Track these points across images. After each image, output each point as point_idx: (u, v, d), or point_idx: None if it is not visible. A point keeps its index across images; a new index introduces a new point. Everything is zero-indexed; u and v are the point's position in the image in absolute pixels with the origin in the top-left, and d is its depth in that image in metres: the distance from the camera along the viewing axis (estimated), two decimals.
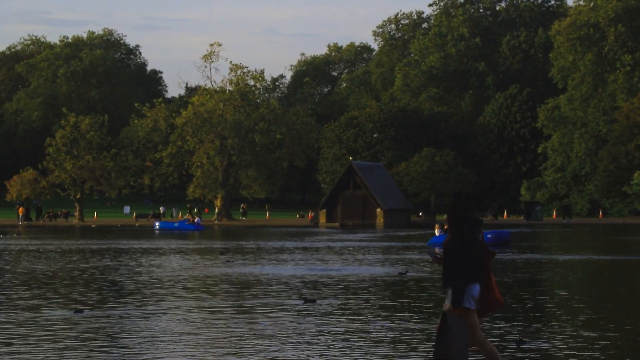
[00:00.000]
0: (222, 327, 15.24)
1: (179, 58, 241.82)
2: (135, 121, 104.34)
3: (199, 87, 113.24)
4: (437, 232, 44.39)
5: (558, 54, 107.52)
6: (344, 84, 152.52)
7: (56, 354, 12.67)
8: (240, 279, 24.94)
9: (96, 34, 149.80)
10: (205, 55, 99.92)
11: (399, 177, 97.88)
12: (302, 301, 19.00)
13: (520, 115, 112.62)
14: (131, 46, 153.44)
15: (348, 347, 13.22)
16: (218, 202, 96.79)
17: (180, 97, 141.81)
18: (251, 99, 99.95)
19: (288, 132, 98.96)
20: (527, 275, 26.35)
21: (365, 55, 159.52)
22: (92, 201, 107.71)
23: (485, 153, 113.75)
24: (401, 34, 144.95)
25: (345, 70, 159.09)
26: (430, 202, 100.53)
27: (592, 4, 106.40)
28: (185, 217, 79.19)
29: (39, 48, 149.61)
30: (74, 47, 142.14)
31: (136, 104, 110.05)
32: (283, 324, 15.64)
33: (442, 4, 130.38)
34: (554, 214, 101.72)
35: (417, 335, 14.37)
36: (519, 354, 12.67)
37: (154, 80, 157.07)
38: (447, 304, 10.36)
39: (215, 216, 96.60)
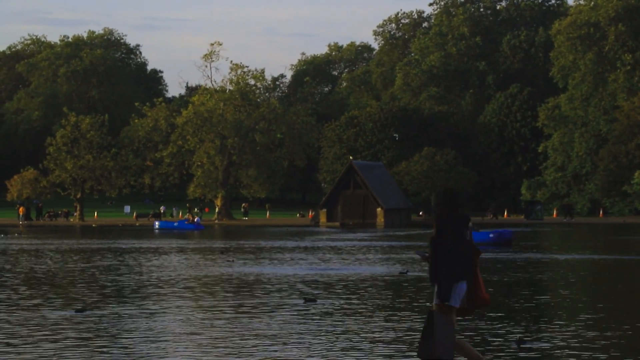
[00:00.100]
0: (222, 327, 15.24)
1: (179, 58, 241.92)
2: (136, 121, 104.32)
3: (200, 86, 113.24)
4: None
5: (558, 53, 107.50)
6: (345, 84, 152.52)
7: (56, 354, 12.67)
8: (241, 278, 24.93)
9: (96, 33, 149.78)
10: (205, 55, 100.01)
11: (400, 176, 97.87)
12: (302, 301, 19.00)
13: (520, 115, 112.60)
14: (131, 46, 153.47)
15: (349, 347, 13.22)
16: (218, 202, 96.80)
17: (181, 96, 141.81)
18: (251, 98, 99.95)
19: (288, 132, 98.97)
20: (527, 275, 26.34)
21: (365, 54, 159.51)
22: (92, 201, 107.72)
23: (485, 152, 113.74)
24: (401, 34, 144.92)
25: (346, 70, 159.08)
26: (430, 202, 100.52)
27: (592, 3, 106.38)
28: (186, 216, 79.18)
29: (40, 48, 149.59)
30: (75, 47, 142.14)
31: (136, 104, 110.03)
32: (283, 323, 15.63)
33: (442, 3, 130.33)
34: (555, 213, 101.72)
35: (418, 335, 14.34)
36: (519, 354, 12.67)
37: (155, 80, 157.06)
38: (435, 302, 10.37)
39: (216, 216, 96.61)
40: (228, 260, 32.12)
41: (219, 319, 16.33)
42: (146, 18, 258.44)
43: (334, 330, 14.81)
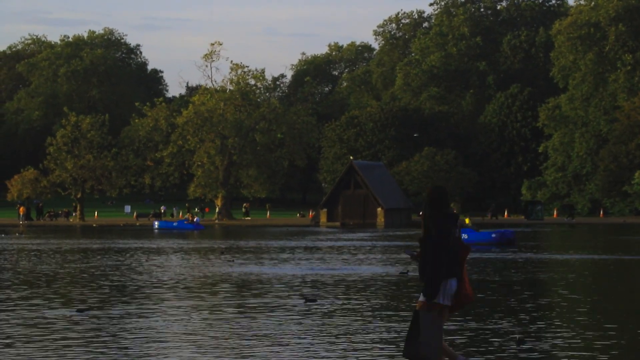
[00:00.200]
0: (222, 327, 15.24)
1: (180, 57, 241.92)
2: (136, 120, 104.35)
3: (200, 86, 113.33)
4: None
5: (559, 53, 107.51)
6: (345, 84, 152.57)
7: (57, 354, 12.67)
8: (241, 278, 24.94)
9: (97, 33, 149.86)
10: (205, 55, 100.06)
11: (400, 176, 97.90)
12: (303, 301, 19.00)
13: (521, 115, 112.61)
14: (132, 46, 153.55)
15: (349, 347, 13.22)
16: (219, 202, 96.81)
17: (181, 96, 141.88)
18: (252, 98, 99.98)
19: (289, 132, 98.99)
20: (527, 275, 26.34)
21: (366, 54, 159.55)
22: (92, 200, 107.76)
23: (486, 152, 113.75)
24: (402, 34, 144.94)
25: (346, 70, 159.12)
26: None
27: (593, 3, 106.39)
28: (186, 216, 79.20)
29: (40, 47, 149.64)
30: (75, 47, 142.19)
31: (137, 104, 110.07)
32: (283, 323, 15.64)
33: (442, 3, 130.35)
34: (555, 213, 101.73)
35: None
36: (520, 354, 12.67)
37: (155, 80, 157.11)
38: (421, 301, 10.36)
39: (216, 215, 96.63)
40: (228, 261, 32.12)
41: (219, 319, 16.33)
42: (146, 18, 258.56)
43: (334, 331, 14.81)
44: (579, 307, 18.36)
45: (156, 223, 75.89)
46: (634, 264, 31.90)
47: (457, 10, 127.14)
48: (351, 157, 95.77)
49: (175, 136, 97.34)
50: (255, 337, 14.09)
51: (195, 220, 74.91)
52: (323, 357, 12.42)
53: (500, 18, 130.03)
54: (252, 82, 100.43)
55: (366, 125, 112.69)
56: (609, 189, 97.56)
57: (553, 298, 20.62)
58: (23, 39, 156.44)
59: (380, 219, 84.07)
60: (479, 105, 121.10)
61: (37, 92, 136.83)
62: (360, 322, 15.81)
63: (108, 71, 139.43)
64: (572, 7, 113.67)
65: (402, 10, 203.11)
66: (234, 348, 13.16)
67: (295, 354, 12.66)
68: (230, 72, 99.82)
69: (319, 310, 17.54)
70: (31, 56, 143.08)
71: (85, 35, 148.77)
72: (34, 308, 17.91)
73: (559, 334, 14.46)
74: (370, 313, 17.15)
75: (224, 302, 18.94)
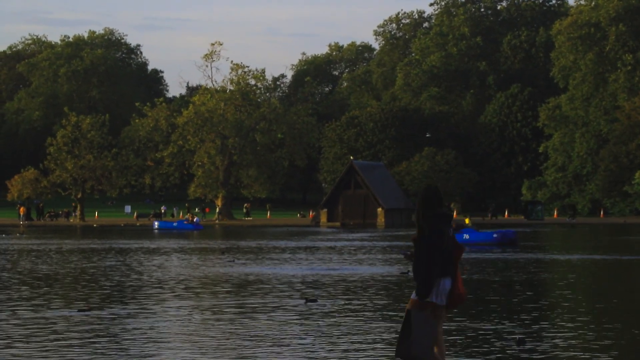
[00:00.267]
0: (223, 328, 15.24)
1: (180, 58, 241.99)
2: (136, 121, 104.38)
3: (200, 86, 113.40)
4: None
5: (559, 53, 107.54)
6: (345, 84, 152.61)
7: (57, 354, 12.67)
8: (242, 278, 24.93)
9: (97, 33, 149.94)
10: (206, 55, 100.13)
11: (400, 176, 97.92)
12: (303, 301, 18.99)
13: (521, 115, 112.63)
14: (132, 46, 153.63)
15: (350, 347, 13.22)
16: (219, 202, 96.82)
17: (181, 96, 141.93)
18: (252, 98, 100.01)
19: (289, 132, 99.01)
20: (528, 275, 26.33)
21: (366, 54, 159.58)
22: (93, 201, 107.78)
23: (486, 152, 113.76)
24: (402, 34, 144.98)
25: (346, 70, 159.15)
26: None
27: (593, 3, 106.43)
28: (186, 216, 79.24)
29: (40, 48, 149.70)
30: (75, 47, 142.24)
31: (137, 104, 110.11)
32: (284, 323, 15.63)
33: (443, 3, 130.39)
34: (555, 213, 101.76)
35: None
36: (520, 354, 12.66)
37: (155, 80, 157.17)
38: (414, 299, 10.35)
39: (216, 216, 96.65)
40: (229, 261, 32.12)
41: (220, 319, 16.33)
42: (147, 18, 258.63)
43: (335, 331, 14.80)
44: (580, 308, 18.35)
45: (156, 223, 75.92)
46: (634, 264, 31.89)
47: (457, 10, 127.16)
48: (351, 157, 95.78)
49: (175, 136, 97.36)
50: (256, 338, 14.09)
51: (195, 220, 74.94)
52: (323, 358, 12.42)
53: (500, 18, 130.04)
54: (253, 82, 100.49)
55: (366, 126, 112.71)
56: (609, 189, 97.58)
57: (554, 298, 20.61)
58: (23, 39, 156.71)
59: (381, 219, 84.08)
60: (479, 105, 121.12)
61: (38, 92, 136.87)
62: (360, 323, 15.80)
63: (108, 71, 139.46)
64: (572, 7, 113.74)
65: (402, 10, 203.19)
66: (234, 348, 13.16)
67: (296, 354, 12.66)
68: (231, 72, 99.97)
69: (319, 310, 17.53)
70: (31, 56, 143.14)
71: (86, 35, 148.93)
72: (34, 308, 17.91)
73: (560, 335, 14.45)
74: (370, 313, 17.14)
75: (224, 303, 18.94)
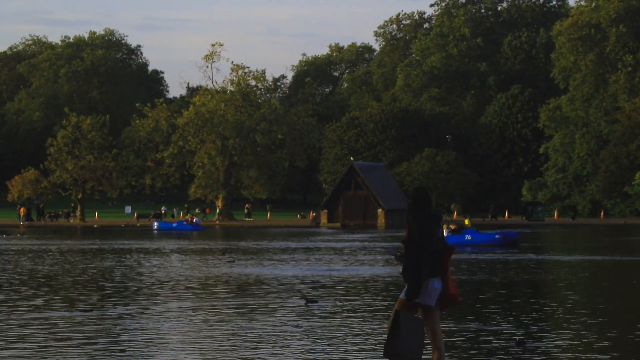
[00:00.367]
0: (223, 328, 15.23)
1: (180, 58, 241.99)
2: (137, 121, 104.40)
3: (201, 87, 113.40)
4: (444, 233, 44.01)
5: (559, 54, 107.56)
6: (345, 84, 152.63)
7: (57, 354, 12.66)
8: (242, 279, 24.93)
9: (97, 34, 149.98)
10: (206, 56, 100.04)
11: (400, 177, 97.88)
12: (304, 301, 18.99)
13: (521, 116, 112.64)
14: (132, 46, 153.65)
15: (351, 348, 13.22)
16: (219, 203, 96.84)
17: (182, 97, 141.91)
18: (252, 99, 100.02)
19: (289, 133, 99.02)
20: (528, 276, 26.33)
21: (366, 55, 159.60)
22: (93, 201, 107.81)
23: (486, 153, 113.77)
24: (402, 34, 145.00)
25: (347, 71, 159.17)
26: (431, 203, 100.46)
27: (593, 4, 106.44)
28: (186, 217, 79.23)
29: (41, 48, 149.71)
30: (76, 47, 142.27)
31: (137, 104, 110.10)
32: (284, 324, 15.63)
33: (443, 4, 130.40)
34: (555, 214, 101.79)
35: None
36: (520, 354, 12.66)
37: (155, 81, 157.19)
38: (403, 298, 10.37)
39: (217, 216, 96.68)
40: (229, 261, 32.12)
41: (220, 320, 16.33)
42: (147, 18, 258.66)
43: (335, 331, 14.80)
44: (580, 308, 18.35)
45: (155, 224, 75.97)
46: (634, 264, 31.90)
47: (457, 11, 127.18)
48: (352, 158, 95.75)
49: (175, 137, 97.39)
50: (256, 338, 14.08)
51: (194, 221, 74.95)
52: (324, 358, 12.42)
53: (500, 19, 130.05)
54: (253, 82, 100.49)
55: (367, 126, 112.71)
56: (610, 190, 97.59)
57: (554, 299, 20.61)
58: (24, 40, 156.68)
59: (381, 220, 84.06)
60: (480, 106, 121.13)
61: (38, 93, 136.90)
62: (361, 323, 15.80)
63: (109, 72, 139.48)
64: (572, 8, 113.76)
65: (402, 11, 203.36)
66: (234, 349, 13.15)
67: (296, 355, 12.66)
68: (231, 73, 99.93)
69: (319, 311, 17.53)
70: (32, 57, 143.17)
71: (86, 35, 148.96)
72: (34, 308, 17.91)
73: (560, 335, 14.45)
74: (370, 314, 17.14)
75: (224, 303, 18.94)
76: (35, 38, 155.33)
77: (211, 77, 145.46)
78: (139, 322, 15.81)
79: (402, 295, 10.42)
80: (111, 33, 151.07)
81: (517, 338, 13.71)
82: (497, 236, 44.41)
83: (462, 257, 35.17)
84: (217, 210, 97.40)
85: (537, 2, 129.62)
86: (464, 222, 54.68)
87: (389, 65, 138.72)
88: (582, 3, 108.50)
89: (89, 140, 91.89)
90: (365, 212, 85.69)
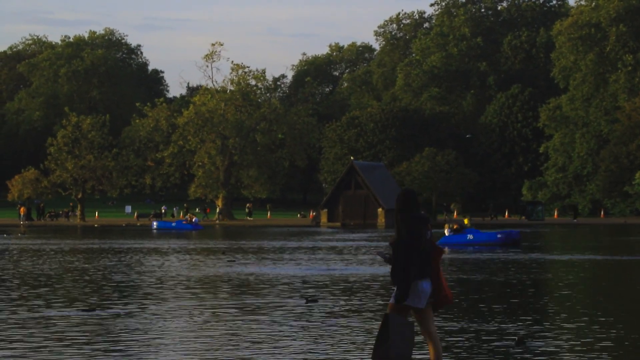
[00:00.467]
0: (223, 328, 15.23)
1: (180, 58, 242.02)
2: (137, 121, 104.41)
3: (201, 86, 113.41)
4: (446, 232, 44.02)
5: (559, 53, 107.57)
6: (346, 84, 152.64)
7: (57, 354, 12.66)
8: (242, 278, 24.92)
9: (97, 33, 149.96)
10: (206, 55, 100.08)
11: (401, 176, 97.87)
12: (304, 301, 18.98)
13: (521, 115, 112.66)
14: (132, 46, 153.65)
15: (351, 347, 13.21)
16: (219, 202, 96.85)
17: (182, 96, 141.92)
18: (252, 98, 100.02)
19: (289, 132, 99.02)
20: (528, 275, 26.32)
21: (366, 55, 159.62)
22: (93, 201, 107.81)
23: (486, 153, 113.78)
24: (403, 34, 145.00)
25: (347, 70, 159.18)
26: (432, 202, 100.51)
27: (593, 3, 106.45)
28: (186, 217, 79.28)
29: (41, 48, 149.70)
30: (76, 47, 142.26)
31: (137, 104, 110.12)
32: (284, 324, 15.62)
33: (443, 3, 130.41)
34: (555, 213, 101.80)
35: (420, 334, 14.32)
36: (520, 354, 12.65)
37: (156, 80, 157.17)
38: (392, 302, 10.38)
39: (217, 216, 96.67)
40: (229, 261, 32.11)
41: (220, 319, 16.32)
42: (147, 18, 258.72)
43: (335, 331, 14.80)
44: (580, 308, 18.34)
45: (155, 223, 76.04)
46: (634, 264, 31.89)
47: (457, 10, 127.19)
48: (352, 158, 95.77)
49: (175, 136, 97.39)
50: (256, 338, 14.08)
51: (194, 220, 74.98)
52: (324, 358, 12.41)
53: (501, 18, 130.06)
54: (253, 82, 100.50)
55: (367, 126, 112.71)
56: (610, 189, 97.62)
57: (554, 298, 20.60)
58: (24, 39, 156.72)
59: (381, 220, 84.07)
60: (480, 106, 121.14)
61: (38, 93, 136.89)
62: (361, 323, 15.80)
63: (109, 71, 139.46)
64: (572, 7, 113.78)
65: (402, 10, 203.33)
66: (234, 349, 13.14)
67: (296, 354, 12.65)
68: (231, 73, 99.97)
69: (320, 310, 17.52)
70: (32, 56, 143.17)
71: (86, 35, 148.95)
72: (34, 308, 17.90)
73: (561, 335, 14.44)
74: (371, 314, 17.13)
75: (224, 303, 18.93)
76: (35, 38, 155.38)
77: (211, 77, 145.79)
78: (139, 322, 15.80)
79: (391, 300, 10.43)
80: (111, 33, 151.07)
81: (517, 338, 13.70)
82: (499, 236, 44.38)
83: (462, 257, 35.17)
84: (217, 210, 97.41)
85: (537, 2, 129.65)
86: (464, 221, 54.68)
87: (389, 65, 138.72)
88: (582, 2, 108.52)
89: (89, 139, 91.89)
90: (365, 211, 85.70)
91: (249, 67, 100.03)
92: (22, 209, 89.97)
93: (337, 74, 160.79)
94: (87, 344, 13.52)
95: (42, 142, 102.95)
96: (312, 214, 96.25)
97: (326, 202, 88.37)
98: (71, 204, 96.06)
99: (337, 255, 36.17)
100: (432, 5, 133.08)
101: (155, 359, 12.36)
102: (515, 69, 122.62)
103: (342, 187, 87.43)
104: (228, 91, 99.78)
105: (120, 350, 12.94)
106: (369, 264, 31.07)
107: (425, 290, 10.25)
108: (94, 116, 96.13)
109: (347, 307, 18.05)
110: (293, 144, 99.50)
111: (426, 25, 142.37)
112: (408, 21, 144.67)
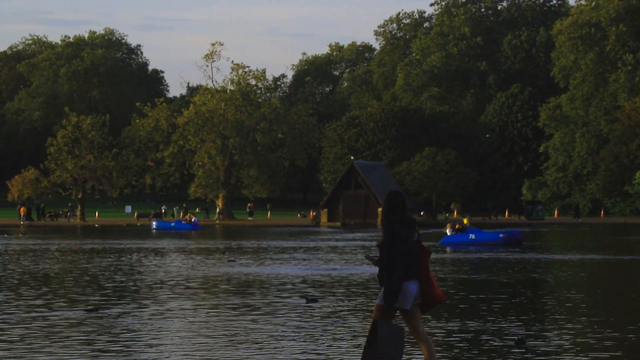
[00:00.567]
0: (223, 327, 15.23)
1: (180, 58, 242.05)
2: (137, 121, 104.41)
3: (201, 86, 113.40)
4: (448, 232, 44.04)
5: (559, 53, 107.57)
6: (346, 84, 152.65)
7: (57, 354, 12.66)
8: (242, 278, 24.92)
9: (97, 33, 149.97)
10: (206, 55, 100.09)
11: (401, 176, 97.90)
12: (304, 300, 18.98)
13: (521, 115, 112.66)
14: (132, 46, 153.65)
15: (351, 347, 13.21)
16: (220, 202, 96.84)
17: (182, 96, 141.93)
18: (252, 98, 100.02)
19: (289, 132, 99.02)
20: (528, 275, 26.32)
21: (366, 54, 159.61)
22: (93, 201, 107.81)
23: (486, 152, 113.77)
24: (403, 34, 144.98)
25: (347, 70, 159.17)
26: (432, 202, 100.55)
27: (593, 3, 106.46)
28: (186, 217, 79.33)
29: (41, 48, 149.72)
30: (76, 47, 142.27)
31: (137, 104, 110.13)
32: (284, 323, 15.63)
33: (443, 3, 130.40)
34: (556, 213, 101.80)
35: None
36: (520, 354, 12.65)
37: (156, 80, 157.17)
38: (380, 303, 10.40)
39: (217, 216, 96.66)
40: (229, 260, 32.11)
41: (220, 319, 16.32)
42: (147, 18, 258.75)
43: (336, 330, 14.80)
44: (581, 308, 18.34)
45: (154, 223, 76.08)
46: (634, 264, 31.89)
47: (457, 10, 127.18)
48: (352, 157, 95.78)
49: (176, 136, 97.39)
50: (256, 338, 14.08)
51: (193, 220, 75.01)
52: (324, 358, 12.41)
53: (501, 18, 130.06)
54: (253, 82, 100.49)
55: (367, 126, 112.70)
56: (610, 189, 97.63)
57: (555, 298, 20.60)
58: (24, 39, 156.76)
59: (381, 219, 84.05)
60: (480, 105, 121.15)
61: (38, 93, 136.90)
62: (361, 322, 15.80)
63: (109, 71, 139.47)
64: (572, 7, 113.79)
65: (402, 10, 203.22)
66: (234, 349, 13.15)
67: (297, 354, 12.65)
68: (231, 72, 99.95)
69: (320, 310, 17.53)
70: (32, 56, 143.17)
71: (86, 35, 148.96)
72: (34, 308, 17.90)
73: (561, 335, 14.44)
74: (371, 313, 17.12)
75: (224, 303, 18.93)
76: (35, 38, 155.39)
77: (211, 77, 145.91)
78: (139, 322, 15.80)
79: (378, 301, 10.44)
80: (111, 33, 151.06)
81: (517, 338, 13.70)
82: (501, 235, 44.39)
83: (463, 256, 35.18)
84: (217, 210, 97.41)
85: (537, 1, 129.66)
86: (463, 221, 54.71)
87: (389, 65, 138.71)
88: (582, 2, 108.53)
89: (89, 139, 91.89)
90: (365, 211, 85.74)
91: (249, 67, 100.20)
92: (22, 209, 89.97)
93: (337, 74, 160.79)
94: (87, 344, 13.52)
95: (42, 142, 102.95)
96: (312, 213, 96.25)
97: (326, 201, 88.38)
98: (70, 204, 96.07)
99: (337, 254, 36.18)
100: (432, 4, 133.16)
101: (155, 359, 12.36)
102: (515, 69, 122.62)
103: (342, 187, 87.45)
104: (228, 91, 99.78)
105: (120, 350, 12.94)
106: (369, 263, 31.07)
107: (411, 291, 10.27)
108: (94, 116, 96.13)
109: (347, 307, 18.05)
110: (293, 143, 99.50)
111: (426, 24, 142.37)
112: (408, 21, 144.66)
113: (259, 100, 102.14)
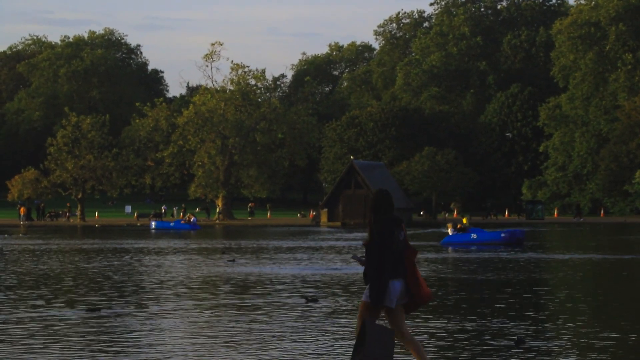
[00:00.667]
0: (223, 327, 15.23)
1: (180, 58, 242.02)
2: (137, 121, 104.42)
3: (200, 86, 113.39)
4: (450, 232, 44.06)
5: (559, 52, 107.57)
6: (345, 83, 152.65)
7: (57, 354, 12.66)
8: (242, 278, 24.92)
9: (97, 33, 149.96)
10: (206, 55, 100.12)
11: (400, 176, 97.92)
12: (304, 300, 18.98)
13: (521, 114, 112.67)
14: (132, 46, 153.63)
15: (351, 347, 13.21)
16: (219, 202, 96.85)
17: (182, 96, 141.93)
18: (252, 98, 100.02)
19: (289, 132, 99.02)
20: (528, 275, 26.31)
21: (366, 54, 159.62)
22: (93, 201, 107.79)
23: (486, 152, 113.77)
24: (402, 33, 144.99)
25: (347, 70, 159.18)
26: (431, 201, 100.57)
27: (593, 3, 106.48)
28: (186, 217, 79.35)
29: (40, 48, 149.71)
30: (75, 47, 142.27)
31: (137, 104, 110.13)
32: (284, 323, 15.63)
33: (443, 3, 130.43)
34: (555, 212, 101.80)
35: (419, 334, 14.35)
36: (520, 354, 12.65)
37: (155, 80, 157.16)
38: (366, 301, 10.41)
39: (217, 215, 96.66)
40: (229, 260, 32.11)
41: (220, 319, 16.32)
42: (147, 18, 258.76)
43: (336, 330, 14.80)
44: (581, 307, 18.34)
45: (153, 223, 76.12)
46: (634, 263, 31.89)
47: (457, 10, 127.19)
48: (352, 157, 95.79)
49: (175, 136, 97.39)
50: (257, 337, 14.08)
51: (192, 220, 75.04)
52: (325, 357, 12.41)
53: (500, 18, 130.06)
54: (253, 82, 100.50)
55: (366, 125, 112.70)
56: (610, 188, 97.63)
57: (555, 298, 20.60)
58: (23, 40, 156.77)
59: None
60: (480, 105, 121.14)
61: (38, 93, 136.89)
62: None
63: (108, 71, 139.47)
64: (572, 6, 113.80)
65: (402, 10, 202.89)
66: (234, 348, 13.14)
67: (297, 354, 12.65)
68: (231, 72, 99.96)
69: (320, 310, 17.52)
70: (32, 56, 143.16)
71: (86, 35, 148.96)
72: (34, 308, 17.90)
73: (561, 335, 14.44)
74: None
75: (224, 302, 18.93)
76: (35, 38, 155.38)
77: (211, 77, 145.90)
78: (139, 322, 15.80)
79: (364, 298, 10.45)
80: (111, 32, 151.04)
81: (516, 337, 13.70)
82: (503, 235, 44.39)
83: (463, 256, 35.18)
84: (217, 210, 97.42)
85: (536, 1, 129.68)
86: (462, 220, 54.72)
87: (389, 64, 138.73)
88: (582, 2, 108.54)
89: (89, 139, 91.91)
90: (365, 211, 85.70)
91: (248, 66, 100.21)
92: (22, 209, 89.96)
93: (337, 74, 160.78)
94: (87, 344, 13.52)
95: (42, 142, 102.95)
96: (312, 213, 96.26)
97: (326, 201, 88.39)
98: (68, 204, 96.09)
99: (337, 254, 36.18)
100: (431, 4, 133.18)
101: (155, 359, 12.36)
102: (515, 68, 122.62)
103: (342, 187, 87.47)
104: (228, 91, 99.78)
105: (119, 351, 12.94)
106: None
107: (395, 290, 10.28)
108: (93, 116, 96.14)
109: (347, 307, 18.05)
110: (293, 143, 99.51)
111: (426, 24, 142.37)
112: (408, 20, 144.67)
113: (259, 100, 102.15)
